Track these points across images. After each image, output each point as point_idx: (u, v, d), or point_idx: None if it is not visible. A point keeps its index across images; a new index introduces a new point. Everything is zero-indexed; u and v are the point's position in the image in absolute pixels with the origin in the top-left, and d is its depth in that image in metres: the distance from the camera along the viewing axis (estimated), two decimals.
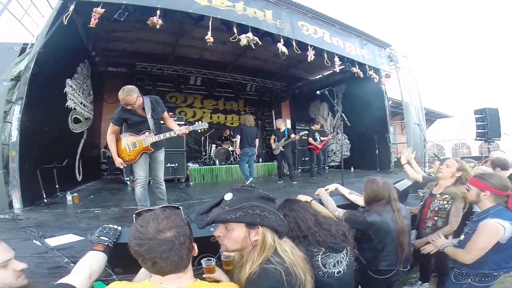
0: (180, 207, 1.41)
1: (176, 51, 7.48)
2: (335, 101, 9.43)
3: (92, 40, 6.38)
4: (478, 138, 6.55)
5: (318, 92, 4.72)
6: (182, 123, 6.90)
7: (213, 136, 8.69)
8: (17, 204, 3.61)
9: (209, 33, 4.49)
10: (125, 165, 3.19)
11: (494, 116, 6.33)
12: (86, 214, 3.47)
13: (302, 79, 10.24)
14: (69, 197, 4.20)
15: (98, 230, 1.34)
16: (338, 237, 1.54)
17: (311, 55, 5.61)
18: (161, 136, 3.04)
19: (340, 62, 6.22)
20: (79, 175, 6.22)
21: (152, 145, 3.05)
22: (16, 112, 3.70)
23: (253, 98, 10.38)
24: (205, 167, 7.31)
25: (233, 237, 1.08)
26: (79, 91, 6.03)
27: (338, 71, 6.36)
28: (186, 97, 9.73)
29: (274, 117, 10.57)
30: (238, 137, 5.87)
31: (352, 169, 8.42)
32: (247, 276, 1.02)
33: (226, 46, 7.13)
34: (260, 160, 8.53)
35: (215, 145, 8.32)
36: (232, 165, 7.62)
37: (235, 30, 4.72)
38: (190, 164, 7.40)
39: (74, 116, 5.88)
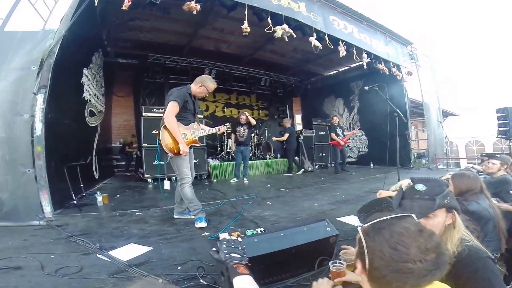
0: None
1: (192, 42, 7.11)
2: (351, 97, 9.31)
3: (107, 29, 5.96)
4: (500, 136, 6.57)
5: (366, 87, 4.60)
6: (201, 116, 6.63)
7: (229, 131, 8.42)
8: (47, 207, 3.24)
9: (246, 22, 4.23)
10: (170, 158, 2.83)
11: None
12: (128, 217, 3.20)
13: (316, 75, 10.00)
14: (99, 198, 3.89)
15: (224, 246, 1.12)
16: None
17: (342, 51, 5.40)
18: (207, 131, 2.97)
19: (369, 59, 6.04)
20: (96, 172, 5.87)
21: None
22: (40, 102, 3.26)
23: (266, 93, 10.11)
24: (226, 163, 7.07)
25: (435, 224, 1.06)
26: (93, 82, 5.64)
27: (365, 66, 6.15)
28: None
29: (288, 113, 10.36)
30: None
31: (371, 165, 8.31)
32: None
33: (245, 38, 6.80)
34: (278, 155, 8.32)
35: (230, 140, 8.05)
36: (252, 161, 7.39)
37: (269, 21, 4.45)
38: (210, 160, 7.14)
39: (90, 108, 5.49)
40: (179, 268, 1.78)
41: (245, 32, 4.20)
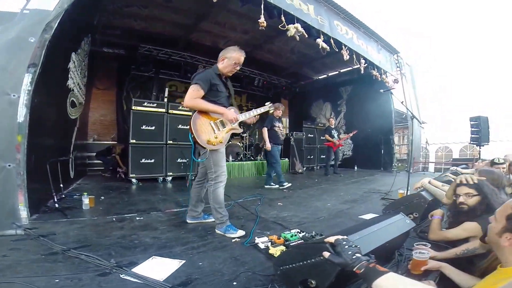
0: None
1: (190, 35, 6.64)
2: (339, 102, 9.40)
3: (98, 13, 5.30)
4: (472, 142, 7.04)
5: (382, 90, 4.56)
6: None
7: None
8: (23, 212, 2.55)
9: (262, 16, 3.95)
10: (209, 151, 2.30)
11: (485, 123, 6.83)
12: (129, 223, 2.71)
13: (307, 78, 9.97)
14: (85, 200, 3.30)
15: (346, 247, 0.99)
16: None
17: (346, 55, 5.38)
18: (251, 113, 2.47)
19: (365, 64, 6.08)
20: (72, 171, 5.10)
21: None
22: (26, 82, 2.59)
23: (256, 93, 9.84)
24: None
25: None
26: (78, 70, 4.94)
27: (363, 71, 6.17)
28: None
29: None
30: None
31: (356, 168, 8.41)
32: None
33: (245, 35, 6.57)
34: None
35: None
36: (244, 162, 7.07)
37: (283, 18, 4.25)
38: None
39: (72, 98, 4.77)
40: (234, 283, 1.43)
41: (262, 26, 3.98)
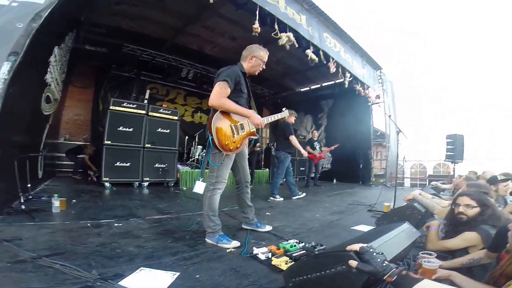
0: None
1: (176, 38, 6.45)
2: (320, 115, 9.61)
3: (87, 9, 4.98)
4: (447, 160, 7.42)
5: (370, 103, 4.62)
6: (176, 118, 5.96)
7: (200, 138, 7.76)
8: None
9: (257, 22, 3.93)
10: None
11: (460, 141, 7.28)
12: (107, 229, 2.41)
13: (289, 89, 10.09)
14: (56, 203, 2.94)
15: (374, 254, 0.94)
16: None
17: (333, 67, 5.50)
18: (270, 119, 2.43)
19: (351, 78, 6.28)
20: (40, 170, 4.62)
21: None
22: (3, 71, 2.35)
23: None
24: (197, 170, 6.37)
25: None
26: (58, 65, 4.57)
27: (347, 85, 6.34)
28: (169, 90, 8.55)
29: None
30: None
31: (334, 181, 8.53)
32: None
33: (232, 42, 6.52)
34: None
35: (200, 146, 7.39)
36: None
37: (276, 26, 4.26)
38: (179, 166, 6.37)
39: (47, 93, 4.37)
40: None
41: (256, 32, 3.94)
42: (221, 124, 2.09)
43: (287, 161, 4.71)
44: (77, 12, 4.51)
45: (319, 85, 9.45)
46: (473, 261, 1.53)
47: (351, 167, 8.28)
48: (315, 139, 7.15)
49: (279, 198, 4.60)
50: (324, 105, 9.34)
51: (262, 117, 2.32)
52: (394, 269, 0.86)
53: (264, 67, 2.32)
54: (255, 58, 2.25)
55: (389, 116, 3.89)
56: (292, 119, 4.79)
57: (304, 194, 4.93)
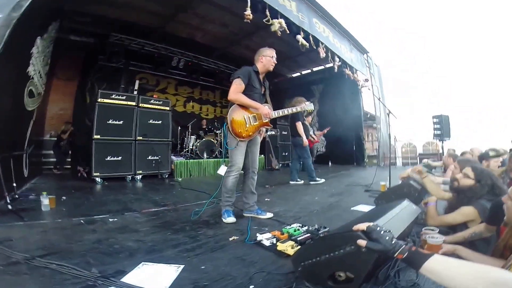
0: None
1: (166, 26, 6.15)
2: (311, 100, 9.51)
3: None
4: (435, 138, 7.63)
5: (360, 86, 4.56)
6: (168, 108, 5.78)
7: (193, 127, 7.59)
8: None
9: (248, 9, 3.76)
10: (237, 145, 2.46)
11: (446, 121, 7.47)
12: (101, 225, 2.31)
13: (281, 76, 9.92)
14: (45, 201, 2.81)
15: (382, 232, 0.91)
16: None
17: (322, 52, 5.40)
18: (280, 112, 2.62)
19: (340, 63, 6.19)
20: (26, 168, 4.39)
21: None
22: None
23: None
24: (192, 160, 6.25)
25: None
26: (41, 56, 4.27)
27: (336, 70, 6.25)
28: (159, 80, 8.24)
29: None
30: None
31: (330, 163, 8.60)
32: None
33: (223, 29, 6.30)
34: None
35: (194, 136, 7.24)
36: (220, 159, 6.75)
37: (267, 13, 4.10)
38: (174, 158, 6.23)
39: (30, 87, 4.10)
40: (251, 287, 1.22)
41: (247, 18, 3.81)
42: (236, 114, 2.45)
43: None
44: (60, 0, 4.16)
45: (309, 70, 9.33)
46: (474, 235, 1.54)
47: (344, 149, 8.34)
48: (308, 124, 7.09)
49: (320, 180, 4.79)
50: (315, 90, 9.27)
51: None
52: (403, 246, 0.85)
53: (275, 61, 2.61)
54: (264, 57, 2.56)
55: (379, 98, 3.84)
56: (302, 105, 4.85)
57: (302, 181, 4.92)
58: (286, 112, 2.71)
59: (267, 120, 2.53)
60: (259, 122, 2.50)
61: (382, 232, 0.91)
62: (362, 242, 0.93)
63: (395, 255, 0.85)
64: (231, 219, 2.39)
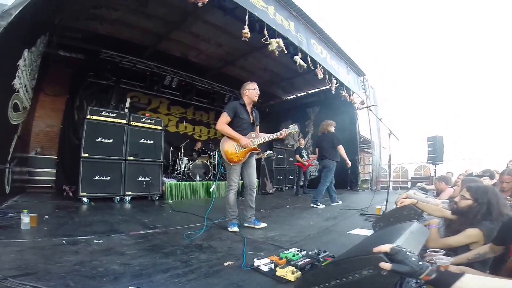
0: None
1: (159, 44, 6.32)
2: (307, 123, 9.71)
3: (62, 12, 4.76)
4: (429, 161, 7.69)
5: (358, 108, 4.71)
6: (160, 127, 5.77)
7: (186, 149, 7.54)
8: None
9: (246, 27, 3.93)
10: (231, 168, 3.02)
11: (440, 143, 7.58)
12: (85, 246, 2.19)
13: (276, 98, 10.16)
14: (25, 219, 2.68)
15: (408, 254, 0.88)
16: None
17: (320, 74, 5.59)
18: (266, 138, 3.02)
19: (337, 84, 6.41)
20: (8, 185, 4.24)
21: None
22: None
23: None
24: (184, 183, 6.14)
25: None
26: (28, 70, 4.28)
27: (333, 91, 6.46)
28: (151, 99, 8.30)
29: None
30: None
31: None
32: None
33: (218, 49, 6.52)
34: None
35: (187, 158, 7.17)
36: (213, 182, 6.66)
37: (266, 32, 4.29)
38: (165, 179, 6.12)
39: (15, 101, 4.06)
40: None
41: (245, 37, 3.96)
42: (226, 145, 2.96)
43: (334, 169, 5.04)
44: (51, 13, 4.29)
45: (305, 93, 9.60)
46: (479, 256, 1.55)
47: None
48: (302, 147, 7.19)
49: (321, 205, 4.76)
50: (311, 113, 9.47)
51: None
52: (430, 267, 0.83)
53: (258, 92, 3.09)
54: (248, 91, 3.06)
55: (380, 119, 3.97)
56: (332, 128, 5.25)
57: (340, 202, 5.15)
58: (267, 139, 3.06)
59: (253, 146, 2.97)
60: (247, 148, 2.96)
61: (407, 254, 0.88)
62: (387, 266, 0.88)
63: (421, 276, 0.83)
64: (235, 229, 2.86)
